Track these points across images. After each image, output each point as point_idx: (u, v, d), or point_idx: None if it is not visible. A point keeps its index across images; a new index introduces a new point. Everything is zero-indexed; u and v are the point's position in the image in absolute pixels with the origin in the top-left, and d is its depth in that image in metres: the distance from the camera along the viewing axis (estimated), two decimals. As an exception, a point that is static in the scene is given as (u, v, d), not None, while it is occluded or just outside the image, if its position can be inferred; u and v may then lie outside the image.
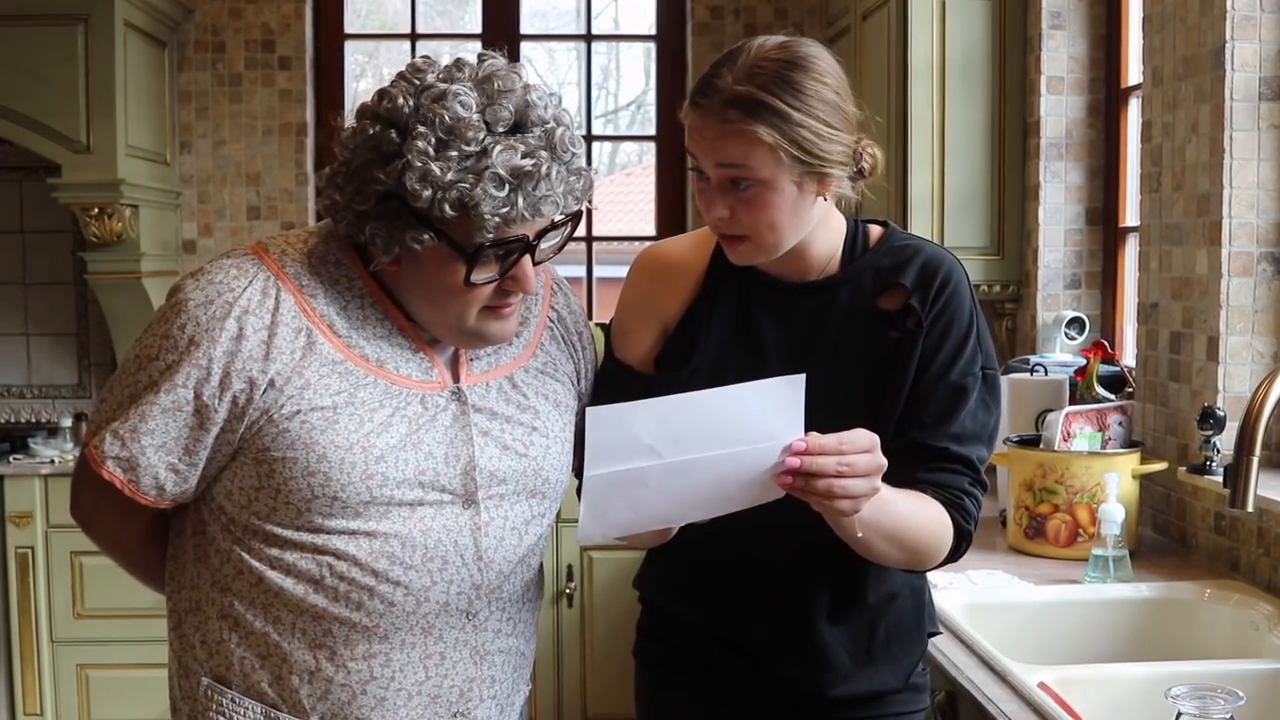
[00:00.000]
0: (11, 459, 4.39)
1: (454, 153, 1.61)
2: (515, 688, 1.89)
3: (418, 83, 1.66)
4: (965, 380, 1.83)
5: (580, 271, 5.33)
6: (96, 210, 4.36)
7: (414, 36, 5.30)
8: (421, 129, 1.61)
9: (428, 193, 1.61)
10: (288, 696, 1.73)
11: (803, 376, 1.56)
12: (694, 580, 1.97)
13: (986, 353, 1.87)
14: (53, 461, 4.37)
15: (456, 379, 1.79)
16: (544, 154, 1.65)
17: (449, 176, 1.60)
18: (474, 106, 1.63)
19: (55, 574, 4.33)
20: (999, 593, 2.62)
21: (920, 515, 1.78)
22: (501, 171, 1.61)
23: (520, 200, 1.63)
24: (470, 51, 1.96)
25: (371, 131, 1.65)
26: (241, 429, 1.67)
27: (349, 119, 1.73)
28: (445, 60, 1.72)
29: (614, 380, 1.94)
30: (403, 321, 1.76)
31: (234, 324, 1.66)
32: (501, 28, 5.17)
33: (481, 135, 1.62)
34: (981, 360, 1.86)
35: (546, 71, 6.58)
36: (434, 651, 1.76)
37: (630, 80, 6.97)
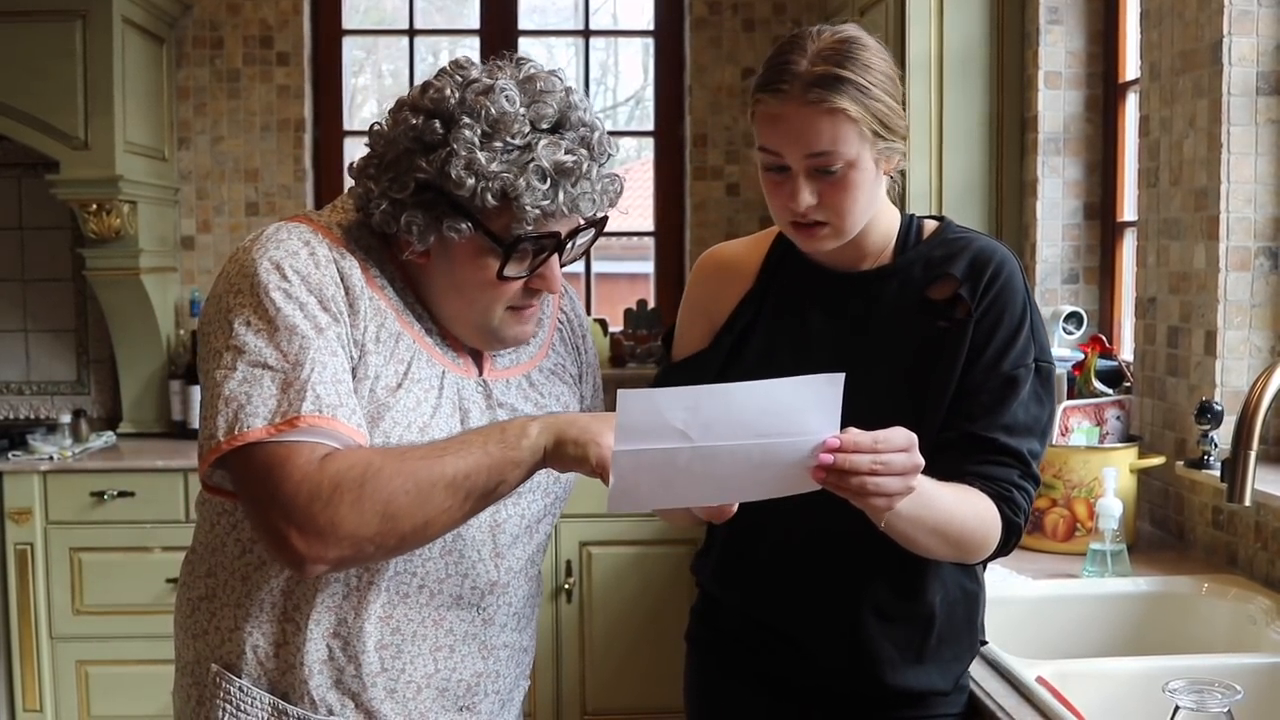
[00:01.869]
0: (10, 455, 4.38)
1: (499, 144, 1.64)
2: (516, 684, 1.91)
3: (462, 78, 1.69)
4: (1017, 371, 1.83)
5: (579, 267, 5.32)
6: (95, 206, 4.36)
7: (412, 32, 5.30)
8: (468, 120, 1.64)
9: (471, 181, 1.63)
10: (297, 687, 1.73)
11: (842, 375, 1.55)
12: (747, 569, 1.98)
13: (1040, 345, 1.87)
14: (51, 458, 4.36)
15: (480, 371, 1.81)
16: (584, 152, 1.69)
17: (493, 167, 1.63)
18: (519, 102, 1.66)
19: (54, 570, 4.32)
20: (997, 587, 2.62)
21: (965, 509, 1.77)
22: (545, 165, 1.65)
23: (560, 195, 1.66)
24: (468, 48, 1.97)
25: (415, 121, 1.68)
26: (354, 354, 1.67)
27: (385, 116, 1.75)
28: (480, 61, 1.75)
29: (661, 380, 1.98)
30: (429, 315, 1.78)
31: (330, 267, 1.67)
32: (500, 23, 5.18)
33: (526, 130, 1.66)
34: (1035, 352, 1.86)
35: (545, 67, 6.57)
36: (444, 645, 1.77)
37: (628, 76, 6.96)
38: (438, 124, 1.66)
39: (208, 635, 1.77)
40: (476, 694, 1.82)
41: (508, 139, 1.64)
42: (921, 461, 1.61)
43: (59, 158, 4.33)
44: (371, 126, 1.75)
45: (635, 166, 5.91)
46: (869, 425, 1.60)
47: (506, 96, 1.65)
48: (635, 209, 5.79)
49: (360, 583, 1.71)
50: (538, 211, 1.66)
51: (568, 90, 1.72)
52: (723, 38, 5.08)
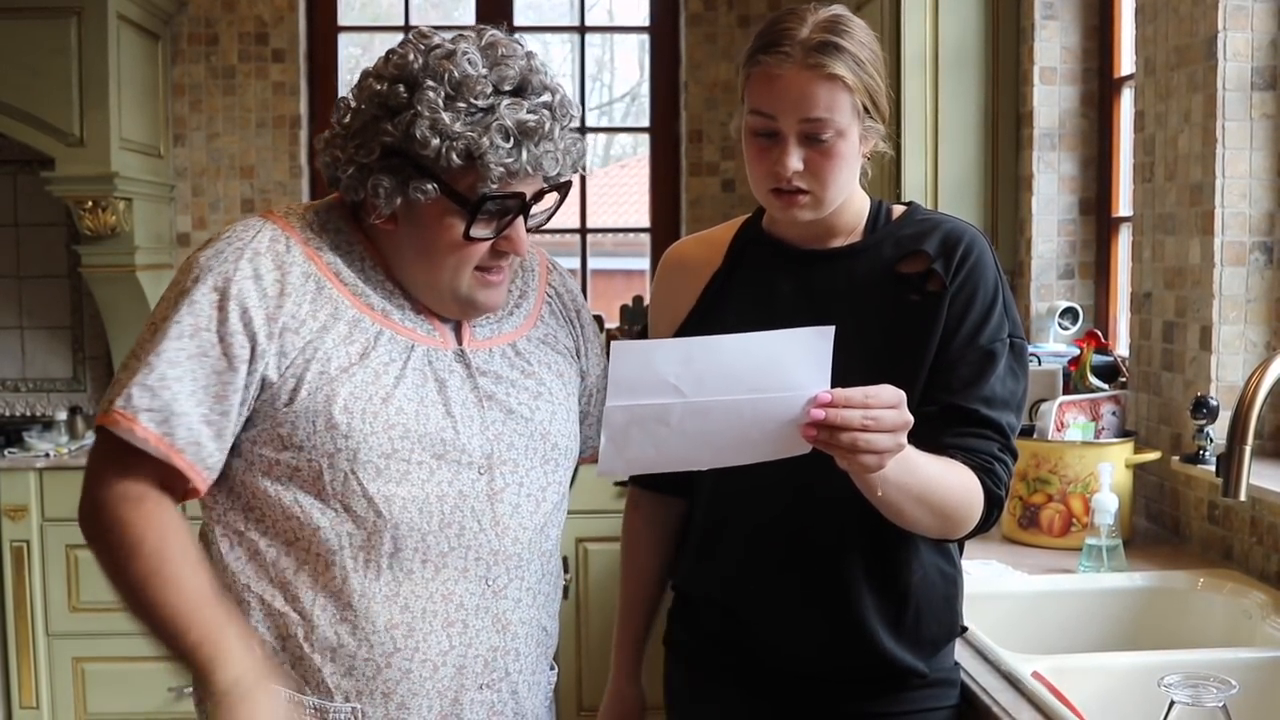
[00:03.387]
0: (6, 452, 4.39)
1: (462, 105, 1.68)
2: (539, 665, 1.90)
3: (425, 44, 1.74)
4: (994, 345, 1.84)
5: (575, 263, 5.33)
6: (90, 203, 4.35)
7: (408, 29, 5.25)
8: (431, 83, 1.69)
9: (435, 141, 1.67)
10: (311, 677, 1.73)
11: (832, 328, 1.56)
12: (719, 565, 1.98)
13: (1014, 321, 1.89)
14: (47, 455, 4.36)
15: (460, 342, 1.82)
16: (546, 114, 1.73)
17: (457, 127, 1.67)
18: (481, 65, 1.71)
19: (50, 567, 4.33)
20: (993, 582, 2.63)
21: (950, 478, 1.77)
22: (509, 124, 1.69)
23: (524, 154, 1.70)
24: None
25: (379, 88, 1.73)
26: (260, 371, 1.68)
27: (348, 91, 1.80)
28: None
29: None
30: (401, 291, 1.80)
31: (247, 265, 1.70)
32: (495, 19, 5.08)
33: (489, 91, 1.70)
34: (1009, 328, 1.87)
35: (540, 63, 6.58)
36: (456, 619, 1.76)
37: (624, 72, 6.97)
38: (401, 88, 1.70)
39: None
40: (497, 671, 1.81)
41: (471, 100, 1.68)
42: (910, 418, 1.61)
43: (54, 154, 4.32)
44: (338, 101, 1.80)
45: (631, 162, 5.92)
46: None
47: (469, 60, 1.70)
48: (631, 205, 5.79)
49: (359, 564, 1.71)
50: (502, 170, 1.69)
51: (529, 55, 1.76)
52: (718, 34, 5.08)
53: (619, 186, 7.99)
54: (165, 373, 1.65)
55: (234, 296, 1.67)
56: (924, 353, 1.84)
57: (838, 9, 1.83)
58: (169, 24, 4.91)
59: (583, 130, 5.34)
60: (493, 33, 1.77)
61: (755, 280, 1.95)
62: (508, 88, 1.71)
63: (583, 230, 5.34)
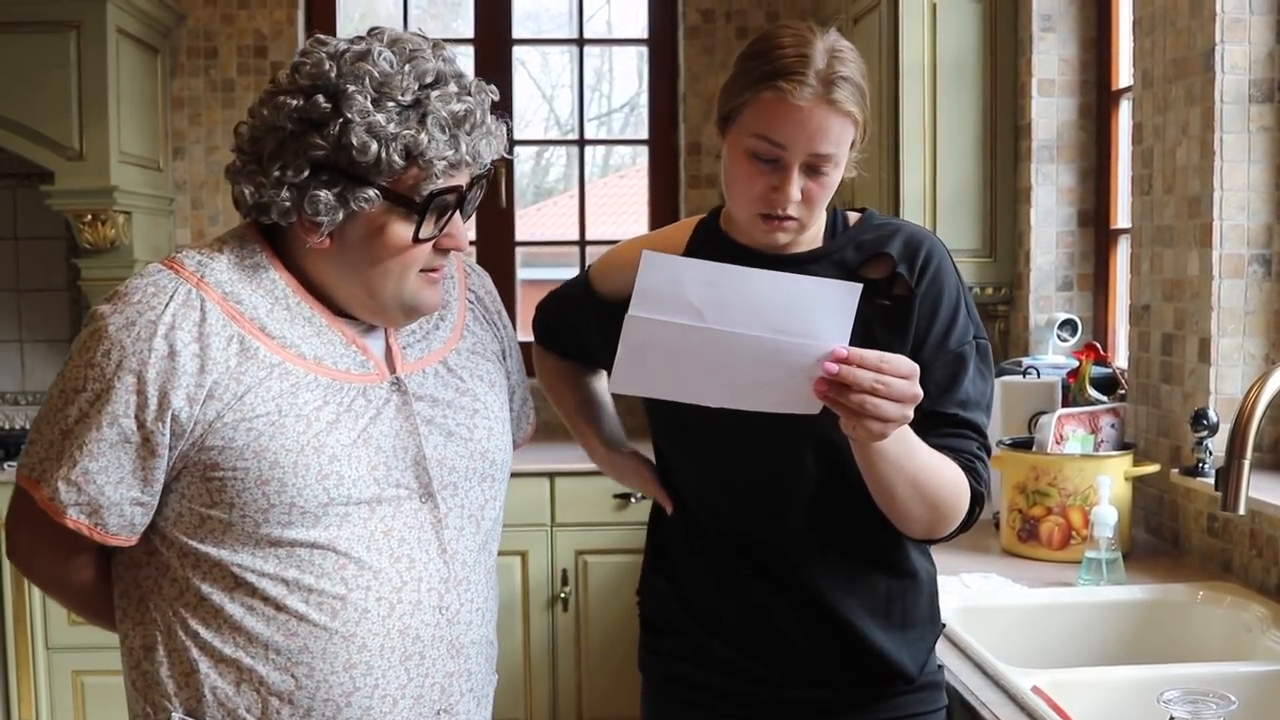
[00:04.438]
0: (6, 465, 4.39)
1: (391, 104, 1.63)
2: (488, 679, 1.89)
3: (330, 50, 1.67)
4: (963, 348, 1.86)
5: (573, 274, 5.31)
6: (89, 216, 4.35)
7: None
8: (353, 88, 1.62)
9: (374, 146, 1.61)
10: (269, 719, 1.69)
11: (859, 286, 1.57)
12: (691, 583, 1.97)
13: (976, 323, 1.90)
14: (47, 468, 4.36)
15: (393, 369, 1.78)
16: (471, 100, 1.68)
17: (391, 128, 1.62)
18: (396, 63, 1.65)
19: (50, 581, 4.32)
20: (992, 596, 2.62)
21: (945, 468, 1.78)
22: (444, 115, 1.64)
23: (463, 145, 1.66)
24: (462, 55, 1.97)
25: (294, 103, 1.65)
26: (183, 446, 1.64)
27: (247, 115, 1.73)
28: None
29: (574, 292, 2.12)
30: (329, 316, 1.74)
31: (162, 342, 1.62)
32: (494, 31, 5.18)
33: (414, 87, 1.64)
34: (974, 330, 1.89)
35: (539, 74, 6.58)
36: (413, 652, 1.74)
37: (623, 83, 6.97)
38: (321, 99, 1.63)
39: (161, 685, 1.71)
40: (452, 696, 1.79)
41: (398, 97, 1.63)
42: (920, 393, 1.62)
43: (53, 168, 4.32)
44: (237, 128, 1.72)
45: (629, 173, 5.92)
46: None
47: (384, 58, 1.64)
48: (629, 216, 5.79)
49: (310, 607, 1.68)
50: (444, 163, 1.65)
51: (435, 44, 1.71)
52: (716, 46, 5.08)
53: (617, 197, 7.99)
54: (88, 466, 1.63)
55: (151, 381, 1.61)
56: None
57: (836, 34, 1.82)
58: (168, 37, 4.91)
59: (581, 141, 5.35)
60: (391, 30, 1.70)
61: None
62: (429, 81, 1.66)
63: (581, 242, 5.34)
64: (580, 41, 5.39)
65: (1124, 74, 3.65)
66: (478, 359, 1.88)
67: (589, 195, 5.48)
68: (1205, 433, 2.72)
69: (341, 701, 1.70)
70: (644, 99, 5.45)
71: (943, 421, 1.83)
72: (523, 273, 5.39)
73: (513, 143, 1.80)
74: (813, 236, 1.91)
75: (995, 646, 2.29)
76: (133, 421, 1.62)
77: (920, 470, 1.74)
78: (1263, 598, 2.53)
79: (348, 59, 1.64)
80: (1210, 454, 2.72)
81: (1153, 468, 2.98)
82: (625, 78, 6.65)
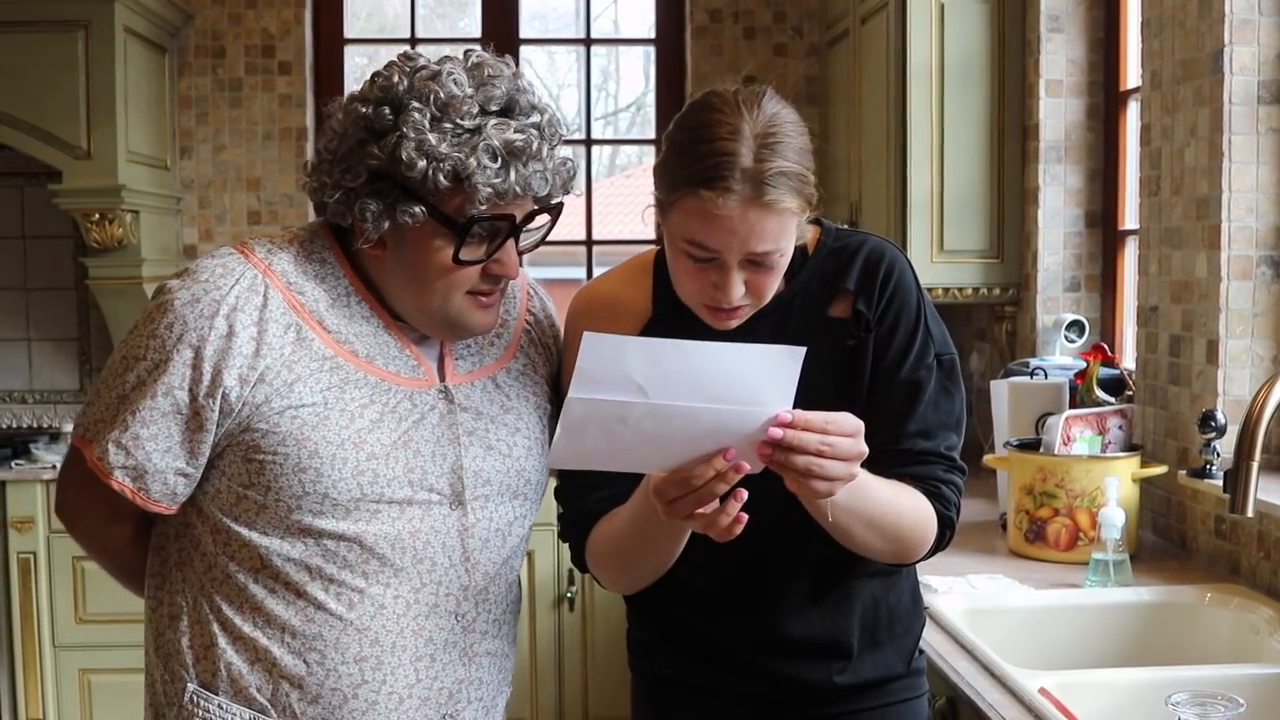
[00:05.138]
0: (13, 464, 4.39)
1: (448, 125, 1.65)
2: (499, 689, 1.91)
3: (410, 66, 1.71)
4: (919, 374, 1.82)
5: (580, 274, 5.33)
6: (97, 216, 4.36)
7: (413, 40, 5.30)
8: (416, 104, 1.66)
9: (422, 163, 1.64)
10: (278, 701, 1.73)
11: (803, 350, 1.53)
12: (680, 603, 1.94)
13: (939, 339, 1.86)
14: (54, 467, 4.36)
15: (443, 378, 1.81)
16: (534, 133, 1.70)
17: (443, 148, 1.64)
18: (467, 85, 1.68)
19: (57, 579, 4.33)
20: (999, 597, 2.62)
21: (903, 503, 1.77)
22: (496, 144, 1.66)
23: (512, 175, 1.67)
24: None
25: (364, 111, 1.69)
26: (229, 424, 1.68)
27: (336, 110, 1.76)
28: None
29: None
30: (388, 319, 1.78)
31: (223, 321, 1.67)
32: (501, 31, 5.18)
33: (475, 112, 1.67)
34: (935, 348, 1.85)
35: (546, 74, 6.59)
36: (424, 654, 1.77)
37: (629, 82, 6.98)
38: (387, 110, 1.67)
39: (180, 655, 1.76)
40: (459, 702, 1.81)
41: (457, 120, 1.65)
42: (866, 449, 1.60)
43: (61, 167, 4.33)
44: (323, 126, 1.77)
45: (636, 173, 5.92)
46: None
47: (454, 80, 1.67)
48: (636, 216, 5.79)
49: (329, 596, 1.72)
50: (490, 190, 1.66)
51: (515, 74, 1.73)
52: (723, 46, 5.08)
53: (624, 197, 7.99)
54: (138, 431, 1.67)
55: (208, 358, 1.65)
56: (862, 392, 1.83)
57: (767, 103, 1.70)
58: (175, 37, 4.92)
59: (588, 141, 5.35)
60: (479, 53, 1.74)
61: (690, 338, 1.78)
62: (494, 108, 1.68)
63: (588, 242, 5.34)
64: (587, 41, 5.39)
65: (1132, 75, 3.65)
66: (526, 380, 1.90)
67: (595, 195, 5.49)
68: (1213, 434, 2.71)
69: (349, 693, 1.73)
70: (650, 99, 5.45)
71: (900, 455, 1.81)
72: (529, 272, 5.39)
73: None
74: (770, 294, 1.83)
75: (1002, 648, 2.29)
76: (186, 394, 1.66)
77: (875, 510, 1.72)
78: (1270, 600, 2.53)
79: (420, 76, 1.68)
80: (1218, 456, 2.72)
81: (1160, 469, 2.98)
82: (631, 77, 6.66)
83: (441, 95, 1.66)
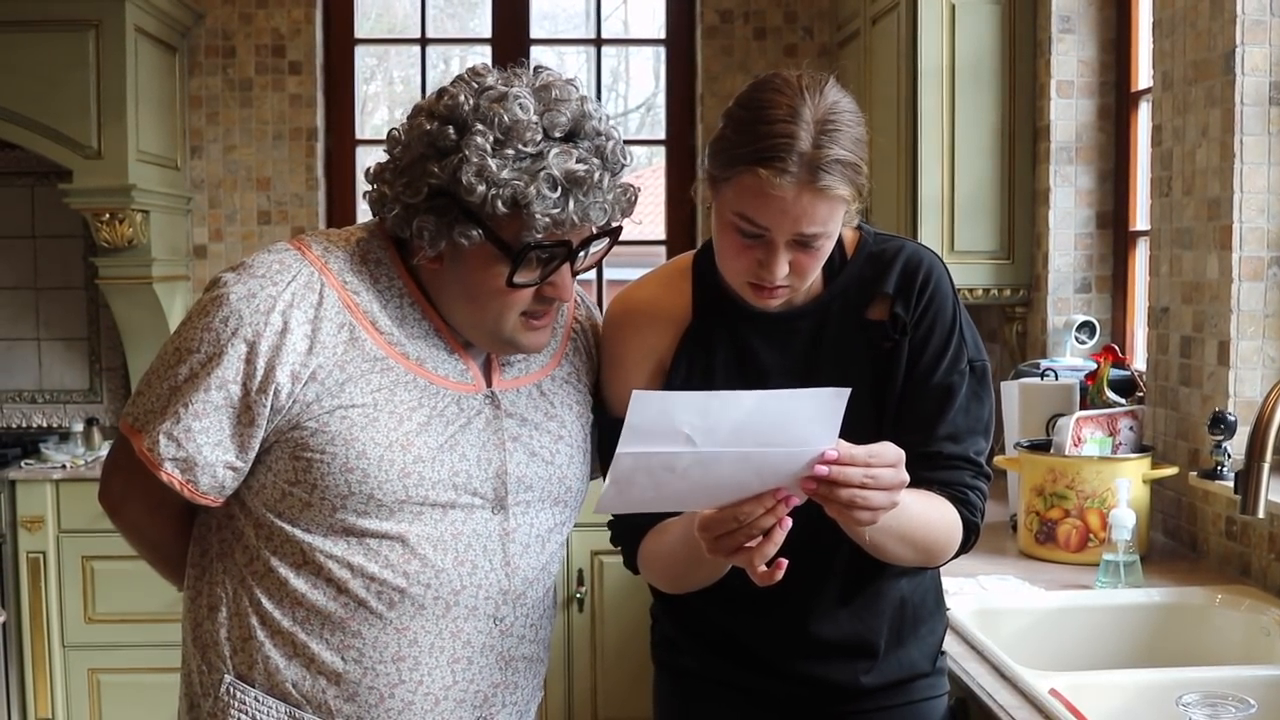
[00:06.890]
0: (23, 464, 4.40)
1: (510, 151, 1.65)
2: (533, 695, 1.92)
3: (477, 85, 1.70)
4: (951, 379, 1.84)
5: (590, 274, 5.32)
6: (107, 215, 4.37)
7: (424, 40, 5.31)
8: (480, 127, 1.65)
9: (481, 188, 1.64)
10: (314, 697, 1.74)
11: (848, 391, 1.54)
12: (703, 603, 1.94)
13: (972, 345, 1.88)
14: (64, 466, 4.37)
15: (489, 383, 1.81)
16: (596, 162, 1.70)
17: (504, 174, 1.64)
18: (533, 110, 1.67)
19: (67, 578, 4.34)
20: (1009, 598, 2.62)
21: (932, 514, 1.78)
22: (556, 174, 1.65)
23: (571, 204, 1.67)
24: (479, 55, 1.98)
25: (429, 127, 1.69)
26: (279, 421, 1.68)
27: (404, 120, 1.76)
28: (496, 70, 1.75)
29: (607, 437, 1.87)
30: (439, 323, 1.79)
31: (279, 318, 1.67)
32: (511, 31, 5.18)
33: (539, 138, 1.66)
34: (968, 354, 1.87)
35: (556, 75, 6.59)
36: (461, 656, 1.78)
37: (639, 83, 6.98)
38: (451, 130, 1.67)
39: (218, 646, 1.77)
40: (494, 706, 1.82)
41: (520, 146, 1.65)
42: (907, 478, 1.61)
43: (72, 167, 4.34)
44: (390, 132, 1.76)
45: (646, 174, 5.92)
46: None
47: (520, 104, 1.66)
48: (647, 217, 5.79)
49: (370, 594, 1.72)
50: (548, 220, 1.66)
51: (583, 99, 1.72)
52: (734, 46, 5.08)
53: (637, 199, 8.00)
54: (190, 424, 1.68)
55: (262, 353, 1.66)
56: (896, 394, 1.85)
57: (829, 91, 1.73)
58: (186, 36, 4.92)
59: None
60: (548, 73, 1.73)
61: (734, 347, 1.89)
62: (559, 134, 1.68)
63: (598, 242, 5.33)
64: (597, 42, 5.39)
65: (1143, 75, 3.64)
66: (570, 388, 1.90)
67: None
68: (1224, 435, 2.71)
69: (385, 691, 1.74)
70: (661, 99, 5.45)
71: (930, 460, 1.82)
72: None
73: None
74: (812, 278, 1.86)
75: (1012, 649, 2.29)
76: (239, 388, 1.67)
77: (907, 525, 1.74)
78: (1281, 601, 2.52)
79: (486, 98, 1.68)
80: (1229, 457, 2.71)
81: (1171, 470, 2.97)
82: (641, 78, 6.66)
83: (506, 119, 1.65)
